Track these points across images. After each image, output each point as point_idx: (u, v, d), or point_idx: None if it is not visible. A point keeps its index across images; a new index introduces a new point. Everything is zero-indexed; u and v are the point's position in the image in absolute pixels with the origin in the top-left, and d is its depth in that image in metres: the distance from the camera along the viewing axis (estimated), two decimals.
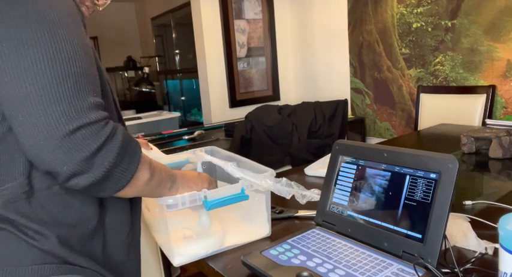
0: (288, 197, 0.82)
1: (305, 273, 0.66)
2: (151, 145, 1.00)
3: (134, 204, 0.76)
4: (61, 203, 0.64)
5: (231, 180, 0.94)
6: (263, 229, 0.87)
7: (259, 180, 0.81)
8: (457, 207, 0.93)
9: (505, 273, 0.55)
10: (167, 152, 1.05)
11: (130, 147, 0.62)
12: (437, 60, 2.46)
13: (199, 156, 0.99)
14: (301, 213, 0.96)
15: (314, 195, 0.87)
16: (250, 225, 0.88)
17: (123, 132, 0.61)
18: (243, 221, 0.89)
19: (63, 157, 0.55)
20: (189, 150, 1.04)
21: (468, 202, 0.95)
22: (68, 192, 0.64)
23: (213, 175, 1.02)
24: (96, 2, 0.78)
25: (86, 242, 0.66)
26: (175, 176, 0.74)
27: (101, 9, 0.80)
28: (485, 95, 2.17)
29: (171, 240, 0.78)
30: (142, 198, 0.79)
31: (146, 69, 3.70)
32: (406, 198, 0.70)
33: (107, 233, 0.70)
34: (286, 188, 0.82)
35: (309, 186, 0.91)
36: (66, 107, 0.55)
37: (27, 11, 0.56)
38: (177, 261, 0.77)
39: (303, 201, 0.84)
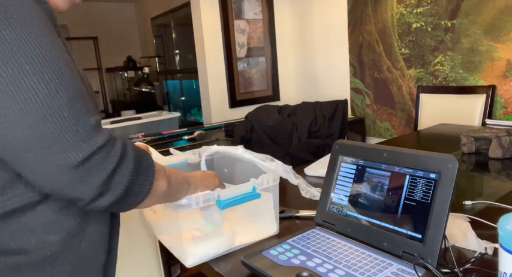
0: (295, 183, 0.84)
1: (305, 273, 0.66)
2: (150, 148, 0.99)
3: (114, 228, 0.72)
4: (18, 228, 0.59)
5: (233, 181, 0.94)
6: (271, 227, 0.87)
7: (268, 163, 0.82)
8: (457, 207, 0.93)
9: (504, 273, 0.55)
10: (167, 153, 1.05)
11: (144, 161, 0.61)
12: (437, 60, 2.46)
13: (204, 150, 0.98)
14: (302, 213, 0.96)
15: (317, 193, 0.88)
16: (259, 223, 0.88)
17: (132, 147, 0.60)
18: (251, 220, 0.89)
19: (81, 186, 0.54)
20: (189, 151, 1.04)
21: (468, 202, 0.95)
22: (30, 216, 0.59)
23: None
24: None
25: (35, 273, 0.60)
26: (189, 178, 0.74)
27: None
28: (485, 95, 2.17)
29: (184, 241, 0.78)
30: None
31: (146, 69, 3.70)
32: (406, 198, 0.70)
33: (80, 262, 0.64)
34: (293, 176, 0.83)
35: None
36: (70, 138, 0.52)
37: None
38: (190, 261, 0.77)
39: (306, 195, 0.85)
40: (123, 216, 0.77)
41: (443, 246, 0.63)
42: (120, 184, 0.56)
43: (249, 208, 0.82)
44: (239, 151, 0.87)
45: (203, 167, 0.98)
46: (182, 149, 2.07)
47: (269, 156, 0.86)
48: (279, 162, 0.84)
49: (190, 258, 0.77)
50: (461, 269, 0.64)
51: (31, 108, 0.50)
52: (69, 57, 0.57)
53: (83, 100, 0.55)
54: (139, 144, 0.98)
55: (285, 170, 0.83)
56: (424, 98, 2.44)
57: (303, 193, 0.88)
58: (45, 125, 0.51)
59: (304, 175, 1.29)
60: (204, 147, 0.97)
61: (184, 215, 0.75)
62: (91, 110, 0.56)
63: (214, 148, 0.94)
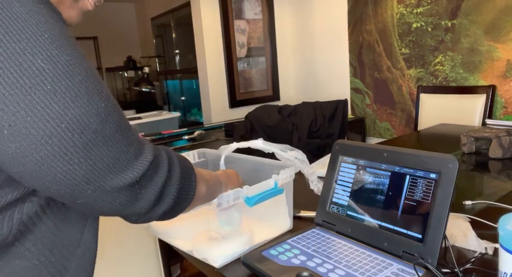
0: (309, 172, 0.86)
1: (305, 273, 0.66)
2: None
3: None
4: None
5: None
6: (285, 222, 0.88)
7: (288, 154, 0.84)
8: (457, 207, 0.93)
9: (505, 273, 0.55)
10: None
11: (186, 167, 0.60)
12: (437, 60, 2.46)
13: (224, 149, 0.98)
14: (303, 213, 0.95)
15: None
16: (273, 220, 0.89)
17: (174, 153, 0.59)
18: (265, 217, 0.89)
19: (138, 203, 0.52)
20: (183, 153, 1.04)
21: (468, 202, 0.95)
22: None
23: None
24: None
25: None
26: (219, 177, 0.74)
27: None
28: (485, 95, 2.17)
29: (212, 242, 0.79)
30: None
31: (146, 69, 3.70)
32: (406, 198, 0.70)
33: None
34: (308, 167, 0.85)
35: (309, 185, 0.91)
36: (124, 160, 0.49)
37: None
38: (220, 261, 0.76)
39: (314, 188, 0.88)
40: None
41: (443, 246, 0.63)
42: (170, 194, 0.56)
43: (263, 205, 0.82)
44: (259, 143, 0.88)
45: (222, 167, 0.98)
46: (182, 149, 2.08)
47: (288, 146, 0.87)
48: (299, 151, 0.85)
49: (219, 258, 0.76)
50: (461, 269, 0.64)
51: (85, 142, 0.45)
52: (94, 66, 0.51)
53: (123, 114, 0.51)
54: None
55: (301, 160, 0.84)
56: (424, 98, 2.44)
57: (311, 186, 0.88)
58: (102, 153, 0.47)
59: (304, 175, 1.28)
60: (223, 146, 0.97)
61: (204, 215, 0.75)
62: (129, 123, 0.52)
63: (234, 145, 0.93)
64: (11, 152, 0.43)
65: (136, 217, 0.55)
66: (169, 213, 0.59)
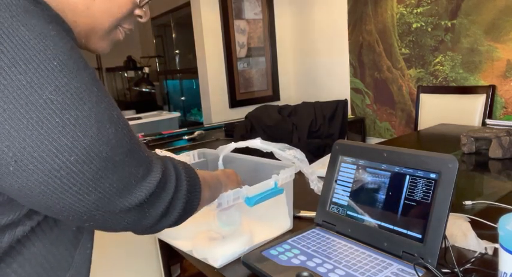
0: (308, 172, 0.86)
1: (305, 273, 0.66)
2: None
3: None
4: None
5: None
6: (285, 223, 0.88)
7: (286, 153, 0.84)
8: (457, 207, 0.93)
9: (504, 273, 0.55)
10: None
11: (192, 179, 0.60)
12: (437, 60, 2.46)
13: (222, 149, 0.97)
14: (303, 213, 0.96)
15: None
16: (274, 219, 0.89)
17: (180, 166, 0.58)
18: (265, 217, 0.89)
19: (145, 220, 0.52)
20: (183, 153, 1.04)
21: (468, 202, 0.95)
22: None
23: None
24: (140, 19, 0.62)
25: None
26: (219, 177, 0.74)
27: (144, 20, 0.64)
28: (485, 95, 2.17)
29: (212, 242, 0.79)
30: None
31: (146, 69, 3.70)
32: (406, 198, 0.70)
33: None
34: (308, 166, 0.85)
35: (309, 185, 0.91)
36: (134, 181, 0.48)
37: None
38: (220, 261, 0.76)
39: (314, 187, 0.88)
40: None
41: (443, 246, 0.63)
42: (177, 207, 0.56)
43: (263, 205, 0.82)
44: (257, 142, 0.87)
45: (220, 167, 0.98)
46: (182, 149, 2.07)
47: (287, 145, 0.87)
48: (297, 150, 0.85)
49: (219, 259, 0.76)
50: (461, 269, 0.64)
51: (95, 171, 0.44)
52: (103, 86, 0.48)
53: (133, 134, 0.49)
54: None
55: (300, 159, 0.84)
56: (424, 98, 2.44)
57: (312, 185, 0.88)
58: (112, 179, 0.46)
59: (304, 175, 1.28)
60: (221, 146, 0.97)
61: (205, 216, 0.75)
62: (138, 141, 0.51)
63: (233, 145, 0.93)
64: (18, 186, 0.42)
65: (143, 231, 0.55)
66: (175, 224, 0.59)
